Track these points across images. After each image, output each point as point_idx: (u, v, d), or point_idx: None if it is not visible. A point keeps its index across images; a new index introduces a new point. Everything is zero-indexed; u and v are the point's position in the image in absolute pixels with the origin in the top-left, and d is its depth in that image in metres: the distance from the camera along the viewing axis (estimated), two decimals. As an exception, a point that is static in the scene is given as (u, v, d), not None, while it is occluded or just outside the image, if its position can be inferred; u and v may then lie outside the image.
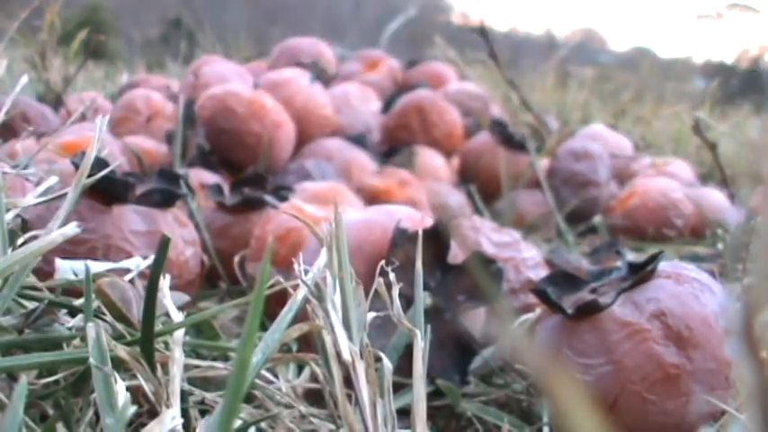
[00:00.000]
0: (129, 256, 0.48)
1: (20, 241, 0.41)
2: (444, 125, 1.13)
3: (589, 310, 0.40)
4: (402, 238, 0.45)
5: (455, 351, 0.46)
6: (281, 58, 1.38)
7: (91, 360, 0.30)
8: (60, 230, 0.35)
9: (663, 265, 0.42)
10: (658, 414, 0.38)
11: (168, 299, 0.39)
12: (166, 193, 0.53)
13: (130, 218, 0.50)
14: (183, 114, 0.90)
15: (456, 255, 0.48)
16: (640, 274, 0.41)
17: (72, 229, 0.36)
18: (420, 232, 0.40)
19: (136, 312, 0.40)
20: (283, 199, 0.72)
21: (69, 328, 0.38)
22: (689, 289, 0.40)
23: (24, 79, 0.55)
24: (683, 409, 0.38)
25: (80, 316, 0.38)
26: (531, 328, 0.47)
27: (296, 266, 0.36)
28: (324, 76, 1.20)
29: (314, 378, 0.42)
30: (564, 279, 0.43)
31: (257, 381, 0.39)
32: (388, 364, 0.32)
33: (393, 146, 1.12)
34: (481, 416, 0.44)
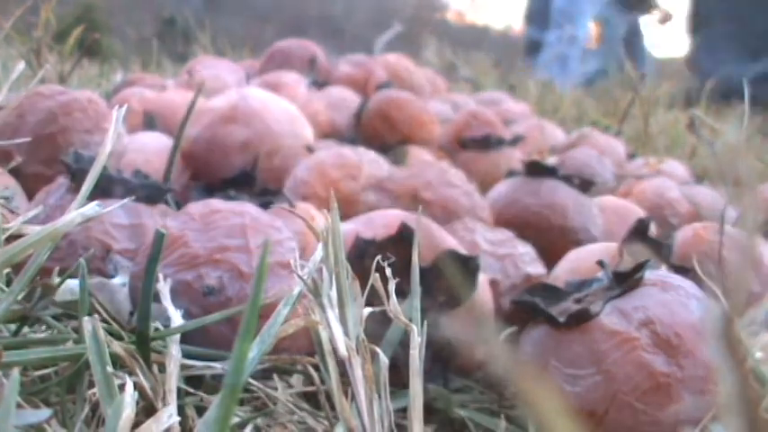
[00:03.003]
0: (110, 248, 0.47)
1: (5, 236, 0.40)
2: (407, 119, 1.08)
3: (581, 319, 0.39)
4: (366, 248, 0.45)
5: (438, 353, 0.45)
6: (273, 60, 1.38)
7: (89, 353, 0.29)
8: (79, 210, 0.35)
9: (646, 273, 0.41)
10: (650, 424, 0.37)
11: (168, 300, 0.38)
12: (153, 188, 0.52)
13: (113, 210, 0.49)
14: (145, 123, 0.89)
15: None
16: (629, 282, 0.40)
17: (93, 208, 0.35)
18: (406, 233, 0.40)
19: (126, 315, 0.40)
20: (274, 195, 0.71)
21: (65, 325, 0.38)
22: (675, 296, 0.39)
23: (21, 65, 0.54)
24: (675, 417, 0.37)
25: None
26: (514, 340, 0.46)
27: (292, 262, 0.36)
28: (318, 81, 1.20)
29: (309, 381, 0.42)
30: (544, 290, 0.43)
31: (253, 381, 0.39)
32: (384, 360, 0.32)
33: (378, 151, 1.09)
34: (475, 420, 0.43)
